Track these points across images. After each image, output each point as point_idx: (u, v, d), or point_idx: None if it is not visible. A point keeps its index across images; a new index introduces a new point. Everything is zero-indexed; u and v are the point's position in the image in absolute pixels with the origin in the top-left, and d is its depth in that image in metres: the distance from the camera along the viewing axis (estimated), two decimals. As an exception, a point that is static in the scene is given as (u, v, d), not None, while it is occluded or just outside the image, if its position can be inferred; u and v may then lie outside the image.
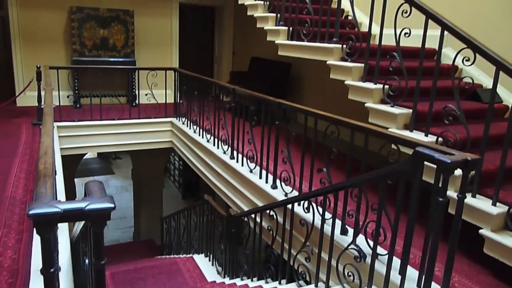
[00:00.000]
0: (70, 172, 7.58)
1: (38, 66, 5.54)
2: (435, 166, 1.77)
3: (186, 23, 8.40)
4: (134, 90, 7.15)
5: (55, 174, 1.93)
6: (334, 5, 3.81)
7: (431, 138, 2.69)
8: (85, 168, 12.90)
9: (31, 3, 6.83)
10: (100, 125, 5.97)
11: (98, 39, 7.10)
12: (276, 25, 4.44)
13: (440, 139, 2.64)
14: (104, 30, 7.10)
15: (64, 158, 4.92)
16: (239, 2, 5.22)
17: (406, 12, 2.85)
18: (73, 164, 7.85)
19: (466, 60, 2.52)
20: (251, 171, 4.00)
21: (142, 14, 7.58)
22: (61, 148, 5.22)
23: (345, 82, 3.35)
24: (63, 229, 2.46)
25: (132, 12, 7.29)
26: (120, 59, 7.25)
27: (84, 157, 10.72)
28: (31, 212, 1.05)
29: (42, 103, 5.11)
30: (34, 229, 1.09)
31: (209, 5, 8.64)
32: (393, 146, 2.28)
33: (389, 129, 2.87)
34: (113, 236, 9.46)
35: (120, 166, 13.86)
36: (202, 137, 5.31)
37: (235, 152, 4.38)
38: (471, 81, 2.78)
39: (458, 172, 1.85)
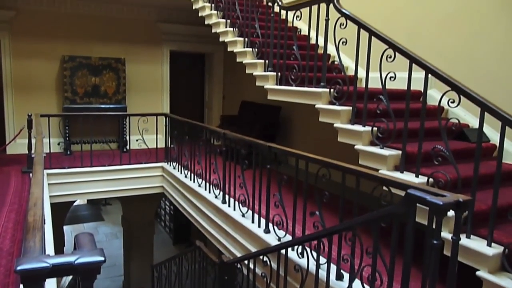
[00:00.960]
0: (59, 219, 7.42)
1: (29, 114, 5.56)
2: (427, 208, 1.77)
3: (177, 69, 8.57)
4: (125, 136, 7.17)
5: (44, 223, 1.90)
6: (320, 51, 3.93)
7: (422, 179, 2.71)
8: (75, 215, 12.66)
9: (24, 53, 6.96)
10: (90, 171, 5.92)
11: (89, 86, 7.19)
12: (265, 71, 4.55)
13: (431, 179, 2.66)
14: (95, 77, 7.21)
15: (53, 205, 4.83)
16: (228, 49, 5.36)
17: (390, 57, 2.95)
18: (62, 211, 7.71)
19: (452, 102, 2.59)
20: (243, 215, 3.96)
21: (134, 61, 7.74)
22: (50, 196, 5.15)
23: (334, 125, 3.40)
24: (51, 281, 2.38)
25: (124, 60, 7.44)
26: (112, 106, 7.31)
27: (74, 204, 10.53)
28: (19, 267, 1.02)
29: (33, 150, 5.08)
30: (21, 285, 1.05)
31: (199, 52, 8.85)
32: (384, 188, 2.29)
33: (379, 171, 2.89)
34: (102, 285, 9.14)
35: (110, 212, 13.62)
36: (193, 182, 5.28)
37: (226, 196, 4.35)
38: (457, 121, 2.84)
39: (451, 213, 1.85)
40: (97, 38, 7.47)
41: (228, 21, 5.44)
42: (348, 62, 4.66)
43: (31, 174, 4.43)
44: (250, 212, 3.86)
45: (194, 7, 6.42)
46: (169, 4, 7.03)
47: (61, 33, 7.19)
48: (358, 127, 3.20)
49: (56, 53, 7.16)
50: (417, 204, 1.80)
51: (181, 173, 5.75)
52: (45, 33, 7.08)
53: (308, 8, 3.88)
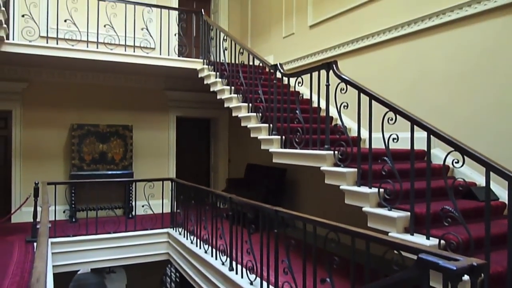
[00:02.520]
0: (62, 290, 7.20)
1: (36, 182, 5.60)
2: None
3: (183, 133, 8.72)
4: (131, 202, 7.15)
5: (46, 299, 1.84)
6: (323, 113, 4.02)
7: (433, 241, 2.65)
8: (78, 284, 12.27)
9: (34, 122, 7.15)
10: (95, 239, 5.84)
11: (97, 153, 7.30)
12: (269, 135, 4.62)
13: (442, 242, 2.60)
14: (103, 144, 7.33)
15: (56, 275, 4.72)
16: (233, 115, 5.49)
17: (391, 119, 3.00)
18: (66, 281, 7.49)
19: (456, 162, 2.59)
20: (251, 283, 3.83)
21: (141, 128, 7.91)
22: (54, 266, 5.05)
23: (341, 187, 3.39)
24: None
25: (131, 126, 7.61)
26: (118, 172, 7.37)
27: (77, 272, 10.25)
28: None
29: (38, 219, 5.06)
30: None
31: (205, 118, 9.06)
32: (395, 251, 2.23)
33: (389, 233, 2.83)
34: None
35: (114, 280, 13.19)
36: (200, 248, 5.17)
37: (234, 263, 4.23)
38: (463, 181, 2.82)
39: (467, 277, 1.78)
40: (105, 106, 7.71)
41: (233, 88, 5.62)
42: (350, 124, 4.74)
43: (35, 244, 4.37)
44: (258, 279, 3.74)
45: (199, 76, 6.68)
46: (176, 73, 7.31)
47: (70, 102, 7.44)
48: (364, 189, 3.18)
49: (65, 122, 7.36)
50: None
51: (187, 239, 5.65)
52: (55, 103, 7.33)
53: (309, 74, 4.02)
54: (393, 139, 2.98)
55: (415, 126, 2.90)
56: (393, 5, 4.89)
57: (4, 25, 5.30)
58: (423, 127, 2.84)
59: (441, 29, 4.28)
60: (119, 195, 7.59)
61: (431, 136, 2.81)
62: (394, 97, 4.02)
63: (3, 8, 4.95)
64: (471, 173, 3.75)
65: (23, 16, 6.20)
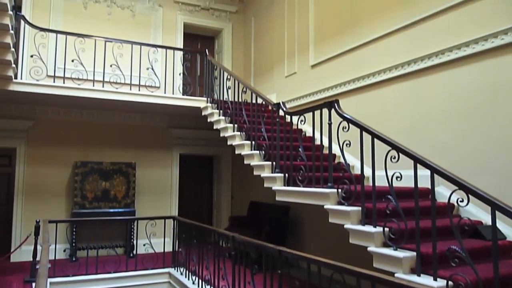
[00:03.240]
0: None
1: (38, 220, 5.56)
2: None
3: (186, 170, 8.72)
4: (132, 241, 7.05)
5: None
6: (325, 151, 4.03)
7: (441, 283, 2.58)
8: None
9: (38, 160, 7.19)
10: (95, 279, 5.72)
11: (99, 191, 7.27)
12: (272, 172, 4.61)
13: (450, 283, 2.53)
14: (106, 182, 7.32)
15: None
16: (236, 152, 5.51)
17: (394, 158, 3.00)
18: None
19: (461, 201, 2.57)
20: (254, 325, 3.72)
21: (144, 165, 7.92)
22: (51, 308, 4.92)
23: (345, 226, 3.34)
24: None
25: (134, 164, 7.63)
26: (120, 210, 7.31)
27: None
28: None
29: (38, 258, 4.99)
30: None
31: (208, 155, 9.09)
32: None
33: (395, 274, 2.77)
34: None
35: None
36: (202, 288, 5.05)
37: (236, 304, 4.12)
38: (469, 220, 2.78)
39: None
40: (109, 144, 7.76)
41: (236, 125, 5.67)
42: (353, 161, 4.74)
43: (33, 284, 4.28)
44: (261, 322, 3.63)
45: (203, 114, 6.76)
46: (180, 111, 7.40)
47: (75, 140, 7.50)
48: (369, 228, 3.14)
49: (69, 159, 7.39)
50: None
51: (188, 279, 5.53)
52: (59, 140, 7.39)
53: (311, 112, 4.07)
54: (397, 177, 2.97)
55: (418, 164, 2.89)
56: (392, 46, 5.00)
57: (13, 65, 5.44)
58: (426, 165, 2.83)
59: (440, 68, 4.36)
60: (120, 233, 7.50)
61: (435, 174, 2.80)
62: (396, 135, 4.04)
63: (12, 49, 5.10)
64: (477, 212, 3.71)
65: (31, 56, 6.36)
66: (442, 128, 4.29)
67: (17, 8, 5.46)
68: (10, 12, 4.41)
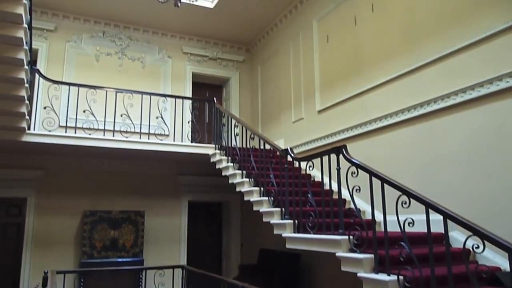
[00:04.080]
0: None
1: (46, 271, 5.48)
2: None
3: (194, 218, 8.64)
4: (140, 291, 6.89)
5: None
6: (335, 196, 4.00)
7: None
8: None
9: (47, 209, 7.20)
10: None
11: (108, 240, 7.21)
12: (281, 219, 4.56)
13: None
14: (114, 231, 7.27)
15: None
16: (245, 199, 5.48)
17: (405, 203, 2.96)
18: None
19: (476, 247, 2.50)
20: None
21: (153, 214, 7.88)
22: None
23: (358, 275, 3.25)
24: None
25: (143, 212, 7.60)
26: (129, 259, 7.21)
27: None
28: None
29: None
30: None
31: (217, 202, 9.04)
32: None
33: (413, 326, 2.66)
34: None
35: None
36: None
37: None
38: (486, 267, 2.70)
39: None
40: (119, 192, 7.77)
41: (244, 172, 5.68)
42: (364, 206, 4.68)
43: None
44: None
45: (212, 160, 6.80)
46: (188, 158, 7.46)
47: (85, 189, 7.53)
48: (383, 277, 3.04)
49: (78, 209, 7.39)
50: None
51: (197, 331, 5.35)
52: (69, 190, 7.42)
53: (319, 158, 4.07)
54: (409, 223, 2.92)
55: (430, 209, 2.85)
56: (397, 90, 5.07)
57: (27, 117, 5.59)
58: (439, 210, 2.79)
59: (447, 111, 4.38)
60: (128, 283, 7.32)
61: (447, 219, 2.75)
62: (406, 178, 4.02)
63: (27, 102, 5.26)
64: (494, 257, 3.59)
65: (45, 108, 6.54)
66: (453, 171, 4.25)
67: (32, 62, 5.69)
68: (26, 67, 4.59)
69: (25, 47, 4.22)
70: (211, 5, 7.81)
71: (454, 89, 4.26)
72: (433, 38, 4.66)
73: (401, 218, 2.97)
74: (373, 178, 3.35)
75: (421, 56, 4.77)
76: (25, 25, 3.97)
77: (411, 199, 2.98)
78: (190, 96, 8.66)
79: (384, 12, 5.46)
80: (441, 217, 2.78)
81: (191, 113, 7.47)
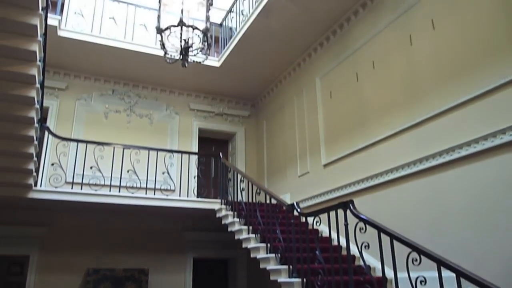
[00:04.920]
0: None
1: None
2: None
3: (199, 275, 8.39)
4: None
5: None
6: (343, 252, 3.89)
7: None
8: None
9: (50, 267, 7.04)
10: None
11: (110, 300, 6.99)
12: (289, 277, 4.42)
13: None
14: (117, 290, 7.07)
15: None
16: (251, 256, 5.35)
17: (416, 260, 2.88)
18: None
19: (494, 308, 2.39)
20: None
21: (157, 271, 7.68)
22: None
23: (370, 337, 3.09)
24: None
25: (147, 270, 7.42)
26: (130, 321, 6.94)
27: None
28: None
29: None
30: None
31: (222, 258, 8.82)
32: None
33: None
34: None
35: None
36: None
37: None
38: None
39: None
40: (123, 249, 7.62)
41: (250, 227, 5.59)
42: (374, 263, 4.55)
43: None
44: None
45: (217, 216, 6.73)
46: (194, 213, 7.39)
47: (88, 246, 7.39)
48: None
49: (82, 266, 7.22)
50: None
51: None
52: (73, 247, 7.29)
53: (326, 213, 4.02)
54: (421, 281, 2.82)
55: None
56: (402, 144, 5.09)
57: (34, 174, 5.63)
58: (451, 268, 2.70)
59: (453, 165, 4.36)
60: None
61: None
62: (415, 233, 3.94)
63: (35, 159, 5.32)
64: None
65: (52, 164, 6.60)
66: (463, 225, 4.15)
67: (42, 119, 5.83)
68: (36, 125, 4.69)
69: (37, 105, 4.35)
70: (217, 63, 8.10)
71: (458, 143, 4.27)
72: (434, 92, 4.75)
73: (413, 276, 2.87)
74: (382, 234, 3.28)
75: (423, 110, 4.84)
76: (38, 85, 4.11)
77: (421, 255, 2.89)
78: (196, 151, 8.74)
79: (384, 68, 5.61)
80: (454, 274, 2.68)
81: (197, 168, 7.49)
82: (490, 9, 4.21)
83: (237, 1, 7.75)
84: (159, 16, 4.58)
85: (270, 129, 8.92)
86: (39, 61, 3.88)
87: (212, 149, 9.37)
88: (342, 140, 6.30)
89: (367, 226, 3.44)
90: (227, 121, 9.45)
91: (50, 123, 7.73)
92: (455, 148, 4.31)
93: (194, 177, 7.68)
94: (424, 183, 4.71)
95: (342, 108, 6.42)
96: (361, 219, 3.50)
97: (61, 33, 7.02)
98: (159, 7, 4.64)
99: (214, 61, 8.08)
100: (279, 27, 6.80)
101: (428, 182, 4.66)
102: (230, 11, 8.08)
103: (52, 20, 6.59)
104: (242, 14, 7.42)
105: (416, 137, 4.92)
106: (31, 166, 5.33)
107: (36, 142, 5.01)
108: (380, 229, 3.29)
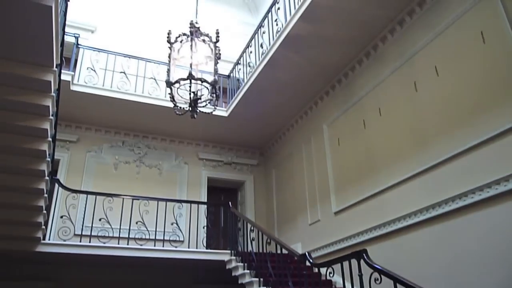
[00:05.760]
0: None
1: None
2: None
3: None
4: None
5: None
6: None
7: None
8: None
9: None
10: None
11: None
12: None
13: None
14: None
15: None
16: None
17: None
18: None
19: None
20: None
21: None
22: None
23: None
24: None
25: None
26: None
27: None
28: None
29: None
30: None
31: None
32: None
33: None
34: None
35: None
36: None
37: None
38: None
39: None
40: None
41: (261, 279, 5.42)
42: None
43: None
44: None
45: (227, 267, 6.56)
46: (203, 265, 7.22)
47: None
48: None
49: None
50: None
51: None
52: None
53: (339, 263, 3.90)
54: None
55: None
56: (413, 190, 5.02)
57: (43, 227, 5.60)
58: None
59: (467, 210, 4.27)
60: None
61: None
62: (432, 281, 3.79)
63: (44, 211, 5.31)
64: None
65: (61, 217, 6.58)
66: (479, 271, 3.99)
67: (53, 172, 5.88)
68: (47, 178, 4.73)
69: (48, 158, 4.41)
70: (225, 113, 8.23)
71: (469, 188, 4.20)
72: (442, 137, 4.74)
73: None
74: (398, 285, 3.16)
75: (432, 155, 4.81)
76: (50, 139, 4.18)
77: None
78: (206, 200, 8.68)
79: (391, 115, 5.65)
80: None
81: (206, 218, 7.41)
82: (493, 55, 4.29)
83: (244, 54, 8.00)
84: (168, 70, 4.72)
85: (279, 177, 8.88)
86: (52, 115, 3.98)
87: (221, 198, 9.31)
88: (352, 187, 6.23)
89: (382, 276, 3.32)
90: (236, 170, 9.45)
91: (61, 175, 7.78)
92: (467, 193, 4.24)
93: (203, 227, 7.59)
94: (438, 229, 4.59)
95: (351, 155, 6.41)
96: (376, 269, 3.39)
97: (74, 87, 7.24)
98: (169, 61, 4.79)
99: (222, 111, 8.22)
100: (285, 77, 6.96)
101: (443, 228, 4.54)
102: (237, 63, 8.33)
103: (66, 75, 6.82)
104: (249, 65, 7.64)
105: (426, 183, 4.85)
106: (40, 219, 5.32)
107: (46, 195, 5.03)
108: (397, 280, 3.17)
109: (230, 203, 7.24)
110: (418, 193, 4.92)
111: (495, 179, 3.95)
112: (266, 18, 7.05)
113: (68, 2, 4.21)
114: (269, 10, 6.96)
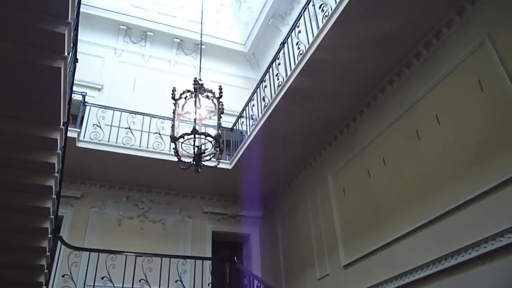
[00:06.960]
0: None
1: None
2: None
3: None
4: None
5: None
6: None
7: None
8: None
9: None
10: None
11: None
12: None
13: None
14: None
15: None
16: None
17: None
18: None
19: None
20: None
21: None
22: None
23: None
24: None
25: None
26: None
27: None
28: None
29: None
30: None
31: None
32: None
33: None
34: None
35: None
36: None
37: None
38: None
39: None
40: None
41: None
42: None
43: None
44: None
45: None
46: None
47: None
48: None
49: None
50: None
51: None
52: None
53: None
54: None
55: None
56: (422, 240, 4.90)
57: (44, 287, 5.43)
58: None
59: (482, 260, 4.12)
60: None
61: None
62: None
63: (46, 271, 5.17)
64: None
65: (63, 276, 6.40)
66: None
67: (56, 229, 5.79)
68: (50, 235, 4.65)
69: (51, 216, 4.36)
70: (229, 166, 8.25)
71: (483, 237, 4.09)
72: (448, 185, 4.69)
73: None
74: None
75: (439, 204, 4.73)
76: (54, 196, 4.16)
77: None
78: (210, 255, 8.47)
79: (395, 163, 5.63)
80: None
81: (211, 275, 7.19)
82: (492, 103, 4.34)
83: (247, 107, 8.14)
84: (173, 126, 4.78)
85: (285, 229, 8.71)
86: (57, 172, 3.99)
87: (227, 253, 9.09)
88: (361, 239, 6.08)
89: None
90: (241, 223, 9.30)
91: (64, 232, 7.67)
92: (480, 242, 4.12)
93: (208, 285, 7.34)
94: (454, 281, 4.41)
95: (357, 205, 6.32)
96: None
97: (79, 144, 7.33)
98: (174, 117, 4.87)
99: (226, 164, 8.23)
100: (287, 129, 7.03)
101: (457, 280, 4.36)
102: (240, 116, 8.46)
103: (72, 132, 6.92)
104: (252, 118, 7.75)
105: (435, 233, 4.74)
106: (41, 279, 5.17)
107: (48, 253, 4.92)
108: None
109: (235, 258, 7.07)
110: (428, 244, 4.79)
111: (509, 227, 3.85)
112: (268, 73, 7.26)
113: (77, 64, 4.36)
114: (270, 65, 7.18)
